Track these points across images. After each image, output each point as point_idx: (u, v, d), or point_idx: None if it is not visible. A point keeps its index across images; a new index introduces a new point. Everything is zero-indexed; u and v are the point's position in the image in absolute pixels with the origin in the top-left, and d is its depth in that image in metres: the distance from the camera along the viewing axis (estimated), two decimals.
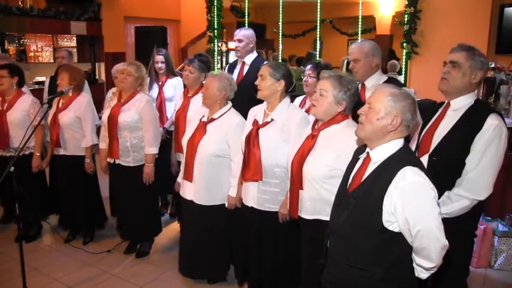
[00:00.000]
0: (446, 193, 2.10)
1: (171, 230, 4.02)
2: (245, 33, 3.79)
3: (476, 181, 2.04)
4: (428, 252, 1.61)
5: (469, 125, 2.06)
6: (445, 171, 2.10)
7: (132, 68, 3.31)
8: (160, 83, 4.12)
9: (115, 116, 3.30)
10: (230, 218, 2.91)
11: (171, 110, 4.11)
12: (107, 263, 3.42)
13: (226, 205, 2.87)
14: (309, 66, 3.19)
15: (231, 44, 9.35)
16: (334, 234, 1.80)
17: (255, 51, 3.88)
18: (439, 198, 2.06)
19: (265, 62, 3.79)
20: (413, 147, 2.35)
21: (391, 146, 1.70)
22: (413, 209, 1.58)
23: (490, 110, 2.11)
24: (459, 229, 2.09)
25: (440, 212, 1.64)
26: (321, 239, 1.91)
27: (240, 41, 3.76)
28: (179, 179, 3.09)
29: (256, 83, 2.62)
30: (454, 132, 2.10)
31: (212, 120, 2.87)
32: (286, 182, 2.52)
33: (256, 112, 2.71)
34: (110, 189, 4.06)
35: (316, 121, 2.29)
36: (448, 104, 2.19)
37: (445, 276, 2.15)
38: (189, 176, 2.88)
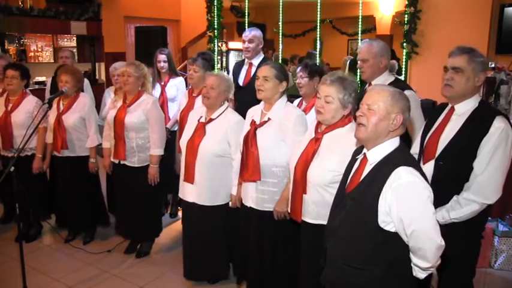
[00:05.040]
0: (455, 197, 2.08)
1: (171, 230, 4.03)
2: (256, 34, 3.77)
3: (485, 185, 2.03)
4: (424, 252, 1.61)
5: (475, 129, 2.05)
6: (452, 175, 2.09)
7: (131, 69, 3.31)
8: (162, 83, 4.12)
9: (121, 117, 3.29)
10: (231, 217, 2.91)
11: (173, 110, 4.12)
12: (107, 263, 3.42)
13: (230, 204, 2.87)
14: (299, 68, 3.11)
15: (231, 44, 9.34)
16: (333, 235, 1.80)
17: (261, 53, 3.88)
18: (447, 202, 2.06)
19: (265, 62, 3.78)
20: (416, 151, 2.34)
21: (388, 146, 1.71)
22: (408, 209, 1.58)
23: (495, 113, 2.10)
24: (466, 230, 2.09)
25: (435, 212, 1.64)
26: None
27: (251, 41, 3.74)
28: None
29: (258, 83, 2.59)
30: (460, 136, 2.08)
31: (211, 120, 2.87)
32: (284, 181, 2.52)
33: (254, 112, 2.71)
34: (107, 187, 4.06)
35: (319, 124, 2.26)
36: (452, 109, 2.17)
37: (452, 276, 2.16)
38: (190, 178, 2.87)
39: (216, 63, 6.24)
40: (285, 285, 2.67)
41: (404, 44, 5.58)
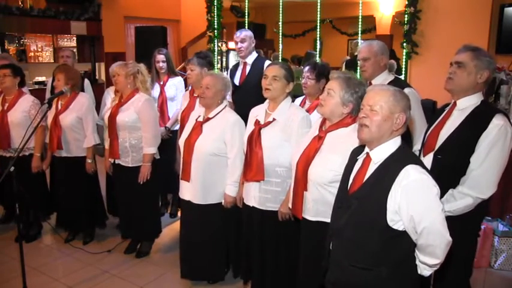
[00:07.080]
0: (450, 191, 2.11)
1: (171, 230, 4.02)
2: (247, 34, 3.81)
3: (480, 180, 2.05)
4: (434, 248, 1.62)
5: (475, 125, 2.08)
6: (449, 169, 2.11)
7: (118, 68, 3.32)
8: (161, 83, 4.13)
9: (114, 116, 3.30)
10: (227, 217, 2.92)
11: (172, 110, 4.13)
12: (107, 263, 3.42)
13: (222, 203, 2.87)
14: (307, 68, 3.11)
15: (231, 44, 9.34)
16: (337, 236, 1.80)
17: (254, 51, 3.90)
18: (442, 196, 2.07)
19: (267, 61, 3.80)
20: (418, 148, 2.36)
21: (391, 145, 1.71)
22: (419, 206, 1.59)
23: (495, 111, 2.13)
24: (462, 228, 2.10)
25: (443, 209, 1.65)
26: (322, 241, 1.90)
27: (243, 41, 3.77)
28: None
29: (266, 82, 2.58)
30: (459, 131, 2.11)
31: (208, 119, 2.88)
32: (288, 181, 2.52)
33: (257, 112, 2.70)
34: (106, 187, 4.06)
35: (323, 122, 2.28)
36: (454, 104, 2.21)
37: (448, 275, 2.16)
38: (186, 176, 2.88)
39: (216, 63, 6.24)
40: (287, 285, 2.67)
41: (404, 44, 5.59)
